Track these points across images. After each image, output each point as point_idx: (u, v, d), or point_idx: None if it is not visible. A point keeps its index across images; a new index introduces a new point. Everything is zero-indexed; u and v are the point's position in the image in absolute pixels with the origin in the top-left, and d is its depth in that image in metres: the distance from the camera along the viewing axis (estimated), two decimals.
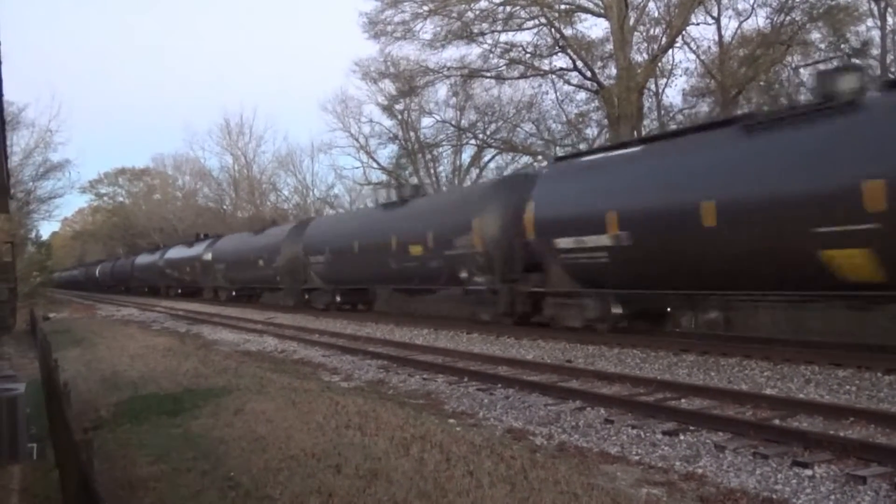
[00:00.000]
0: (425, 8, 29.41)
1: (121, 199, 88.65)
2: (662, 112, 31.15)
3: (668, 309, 15.63)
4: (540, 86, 31.78)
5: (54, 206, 54.04)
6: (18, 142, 40.79)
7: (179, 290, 48.25)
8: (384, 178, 45.14)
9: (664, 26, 27.53)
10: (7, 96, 10.52)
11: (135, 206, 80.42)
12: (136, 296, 55.62)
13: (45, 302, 47.54)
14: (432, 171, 40.43)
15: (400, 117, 40.62)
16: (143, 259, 55.59)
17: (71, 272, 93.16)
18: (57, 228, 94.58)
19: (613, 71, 27.78)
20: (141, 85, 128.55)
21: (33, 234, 57.30)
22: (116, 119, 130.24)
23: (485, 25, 29.27)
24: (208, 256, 40.02)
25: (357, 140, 45.24)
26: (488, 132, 36.83)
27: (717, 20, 28.25)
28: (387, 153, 44.89)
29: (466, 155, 40.39)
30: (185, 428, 8.59)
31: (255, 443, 7.56)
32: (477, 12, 29.05)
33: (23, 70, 79.66)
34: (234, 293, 38.59)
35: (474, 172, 39.30)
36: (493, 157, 38.73)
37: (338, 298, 27.18)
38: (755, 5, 27.06)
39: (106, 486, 5.00)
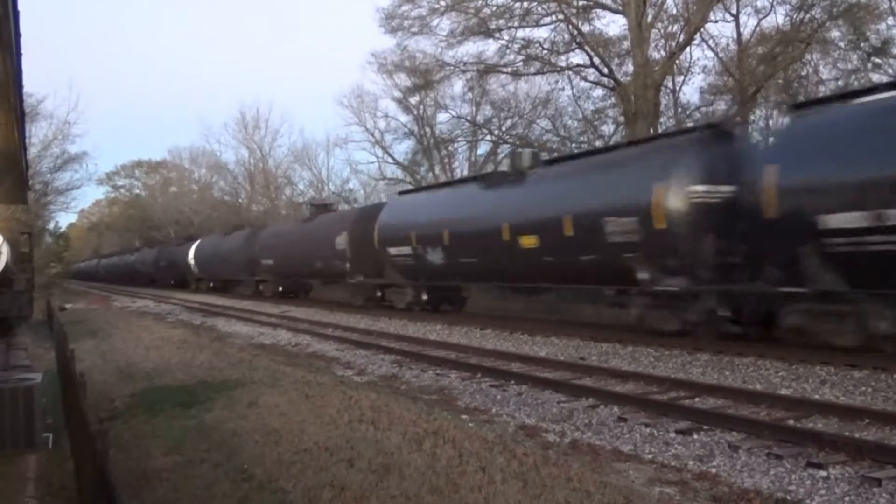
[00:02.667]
0: (442, 3, 29.40)
1: (137, 191, 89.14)
2: (679, 110, 31.01)
3: None
4: (556, 82, 31.76)
5: (71, 198, 54.71)
6: (37, 133, 41.07)
7: (212, 284, 45.46)
8: (399, 173, 45.31)
9: (682, 23, 27.36)
10: (26, 87, 10.57)
11: (151, 198, 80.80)
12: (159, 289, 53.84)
13: (61, 292, 47.94)
14: (447, 166, 40.46)
15: (415, 112, 40.70)
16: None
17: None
18: (74, 220, 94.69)
19: (630, 68, 27.64)
20: (158, 78, 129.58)
21: (51, 226, 57.80)
22: (133, 111, 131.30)
23: (501, 21, 29.21)
24: (255, 248, 36.24)
25: (372, 135, 45.47)
26: (504, 128, 36.83)
27: (736, 17, 28.11)
28: (402, 148, 45.00)
29: (482, 151, 40.47)
30: (199, 420, 8.64)
31: (269, 436, 7.59)
32: (493, 8, 29.01)
33: (41, 61, 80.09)
34: (280, 289, 35.10)
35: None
36: (508, 154, 38.73)
37: (424, 297, 23.09)
38: (774, 3, 26.92)
39: (120, 477, 5.03)
